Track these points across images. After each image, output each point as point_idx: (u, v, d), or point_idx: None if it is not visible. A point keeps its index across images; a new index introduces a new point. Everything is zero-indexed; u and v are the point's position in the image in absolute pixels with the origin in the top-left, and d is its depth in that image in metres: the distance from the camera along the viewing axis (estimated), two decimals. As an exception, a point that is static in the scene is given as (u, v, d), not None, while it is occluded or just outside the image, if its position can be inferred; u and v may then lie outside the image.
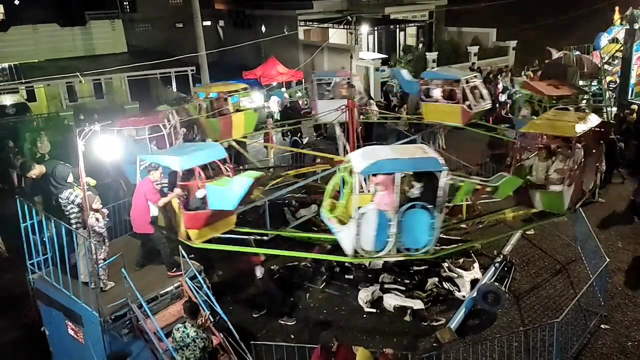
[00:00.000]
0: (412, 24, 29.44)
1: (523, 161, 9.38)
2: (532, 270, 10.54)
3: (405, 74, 14.99)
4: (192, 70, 22.44)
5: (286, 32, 25.97)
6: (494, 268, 9.91)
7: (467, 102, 12.96)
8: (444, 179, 7.17)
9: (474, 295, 9.15)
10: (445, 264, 10.01)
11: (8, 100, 20.79)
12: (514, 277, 10.17)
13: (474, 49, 25.98)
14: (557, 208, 8.98)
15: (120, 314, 6.84)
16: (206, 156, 8.10)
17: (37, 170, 7.29)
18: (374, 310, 9.51)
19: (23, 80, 20.32)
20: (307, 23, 28.02)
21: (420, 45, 29.08)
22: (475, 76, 13.98)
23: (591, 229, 10.18)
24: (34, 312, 8.29)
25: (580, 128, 8.59)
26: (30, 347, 8.69)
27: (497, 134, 14.53)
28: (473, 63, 24.67)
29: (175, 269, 7.74)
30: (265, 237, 9.67)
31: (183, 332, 6.39)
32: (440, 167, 7.17)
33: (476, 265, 10.10)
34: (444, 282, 9.85)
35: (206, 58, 20.09)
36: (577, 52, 19.02)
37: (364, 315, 9.53)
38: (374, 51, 27.97)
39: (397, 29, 28.71)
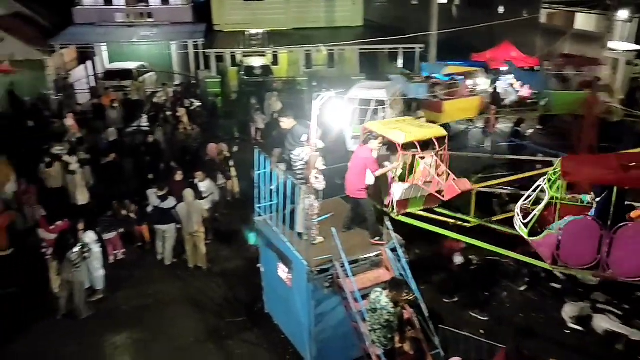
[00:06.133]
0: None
1: None
2: None
3: None
4: (421, 48, 22.48)
5: (526, 15, 24.20)
6: None
7: None
8: None
9: None
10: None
11: (257, 62, 23.63)
12: None
13: None
14: None
15: (325, 268, 7.39)
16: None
17: (288, 122, 8.12)
18: (579, 328, 8.63)
19: (273, 47, 22.90)
20: (552, 5, 25.59)
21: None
22: None
23: None
24: (255, 250, 9.49)
25: None
26: (247, 278, 10.04)
27: None
28: None
29: (378, 237, 8.04)
30: (466, 224, 9.39)
31: (377, 296, 6.63)
32: None
33: None
34: (675, 318, 8.40)
35: (436, 36, 19.98)
36: None
37: (566, 331, 8.73)
38: (628, 42, 24.31)
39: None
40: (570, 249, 6.97)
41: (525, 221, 7.37)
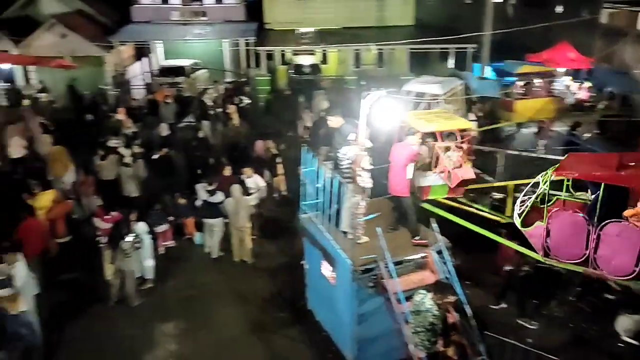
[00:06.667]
0: None
1: None
2: None
3: None
4: (473, 48, 22.03)
5: (586, 15, 23.27)
6: None
7: None
8: None
9: None
10: None
11: (307, 60, 23.78)
12: None
13: None
14: None
15: (369, 267, 7.36)
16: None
17: (336, 121, 8.16)
18: (635, 342, 8.25)
19: (324, 45, 22.97)
20: (615, 5, 24.47)
21: None
22: None
23: None
24: (299, 247, 9.56)
25: None
26: (291, 274, 10.11)
27: None
28: None
29: (417, 237, 7.96)
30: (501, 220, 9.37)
31: (421, 299, 6.57)
32: None
33: None
34: None
35: (489, 36, 19.52)
36: None
37: (619, 344, 8.37)
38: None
39: None
40: (559, 242, 7.29)
41: (519, 211, 7.62)
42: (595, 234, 6.85)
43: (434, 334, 6.51)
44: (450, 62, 23.39)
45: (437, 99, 14.89)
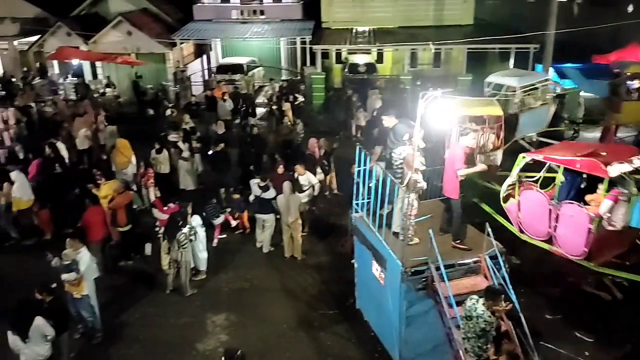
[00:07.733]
0: None
1: None
2: None
3: None
4: (535, 49, 21.30)
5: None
6: None
7: None
8: None
9: None
10: None
11: (362, 59, 23.72)
12: None
13: None
14: None
15: (419, 269, 7.27)
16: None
17: (390, 120, 8.12)
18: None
19: (380, 44, 22.87)
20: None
21: None
22: None
23: None
24: (350, 245, 9.57)
25: None
26: (340, 273, 10.16)
27: None
28: None
29: (459, 240, 7.80)
30: None
31: (473, 304, 6.43)
32: None
33: None
34: None
35: (553, 36, 18.81)
36: None
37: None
38: None
39: None
40: (527, 219, 8.00)
41: (503, 190, 8.43)
42: (555, 212, 7.49)
43: (485, 341, 6.35)
44: (511, 63, 22.71)
45: (514, 92, 14.69)
